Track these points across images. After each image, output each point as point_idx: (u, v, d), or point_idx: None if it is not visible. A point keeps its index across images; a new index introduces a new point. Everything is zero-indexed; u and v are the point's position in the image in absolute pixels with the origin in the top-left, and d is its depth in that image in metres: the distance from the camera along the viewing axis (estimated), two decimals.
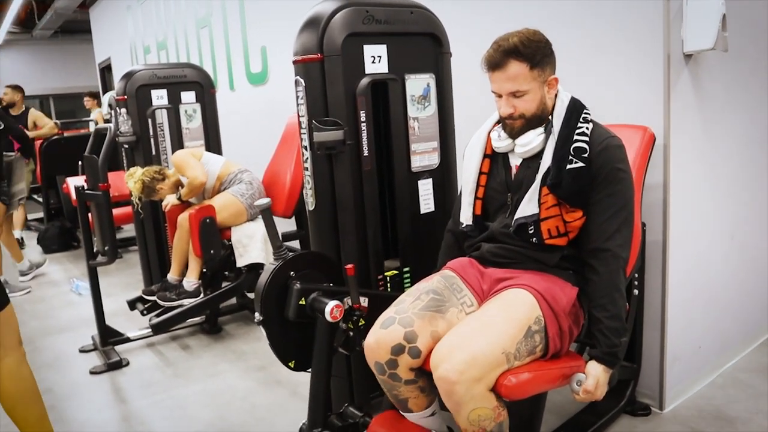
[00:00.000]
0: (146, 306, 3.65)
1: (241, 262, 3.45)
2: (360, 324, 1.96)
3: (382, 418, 1.91)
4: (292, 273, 2.00)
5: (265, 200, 2.02)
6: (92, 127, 6.41)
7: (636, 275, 2.22)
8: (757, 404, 2.42)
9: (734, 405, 2.43)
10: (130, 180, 3.50)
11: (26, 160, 6.00)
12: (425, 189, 2.35)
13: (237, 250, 3.46)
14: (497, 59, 1.73)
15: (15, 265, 5.32)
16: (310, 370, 2.00)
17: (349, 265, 1.95)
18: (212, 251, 3.37)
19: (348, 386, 2.32)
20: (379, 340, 1.74)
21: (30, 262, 5.40)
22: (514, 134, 1.83)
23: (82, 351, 3.52)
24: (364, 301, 1.98)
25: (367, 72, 2.15)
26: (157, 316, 3.42)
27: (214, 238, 3.36)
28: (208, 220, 3.32)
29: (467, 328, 1.67)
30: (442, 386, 1.59)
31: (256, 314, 1.98)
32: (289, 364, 2.02)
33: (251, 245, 3.44)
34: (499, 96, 1.79)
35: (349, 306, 1.96)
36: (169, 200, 3.61)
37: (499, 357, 1.58)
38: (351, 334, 1.98)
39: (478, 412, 1.58)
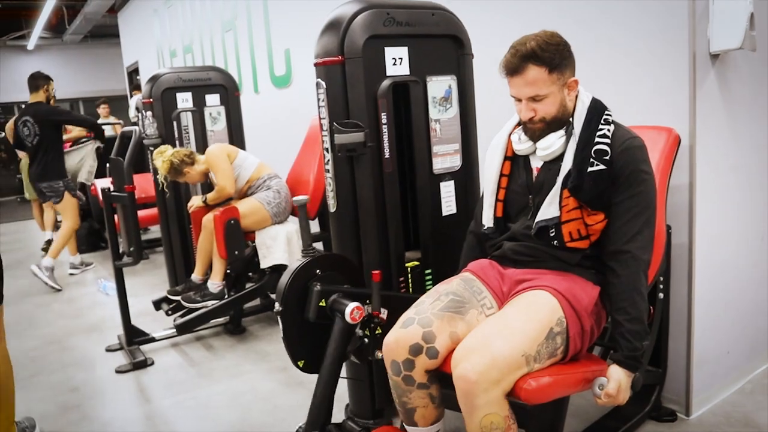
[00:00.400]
0: (171, 306, 3.69)
1: (264, 264, 3.48)
2: (377, 332, 1.96)
3: None
4: (316, 272, 2.02)
5: (303, 197, 2.03)
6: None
7: (661, 278, 2.19)
8: None
9: (763, 412, 2.38)
10: (159, 158, 3.52)
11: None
12: (447, 191, 2.34)
13: (260, 251, 3.48)
14: (515, 64, 1.72)
15: (69, 258, 5.63)
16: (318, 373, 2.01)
17: (376, 272, 1.96)
18: (236, 252, 3.40)
19: (369, 390, 2.32)
20: (398, 339, 1.73)
21: (82, 260, 5.67)
22: (535, 137, 1.82)
23: (108, 350, 3.58)
24: (383, 313, 1.97)
25: (388, 74, 2.15)
26: (182, 316, 3.47)
27: (238, 239, 3.39)
28: (232, 222, 3.34)
29: (488, 330, 1.66)
30: (461, 385, 1.58)
31: (276, 305, 1.99)
32: (299, 362, 2.02)
33: (274, 246, 3.47)
34: (519, 100, 1.78)
35: (369, 313, 1.96)
36: (194, 202, 3.64)
37: (518, 359, 1.57)
38: (366, 341, 1.98)
39: (491, 418, 1.56)
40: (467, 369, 1.56)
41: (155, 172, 3.97)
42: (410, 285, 2.27)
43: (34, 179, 5.22)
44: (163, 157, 3.51)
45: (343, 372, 2.18)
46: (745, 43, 2.14)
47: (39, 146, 5.09)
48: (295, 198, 2.16)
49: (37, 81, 5.13)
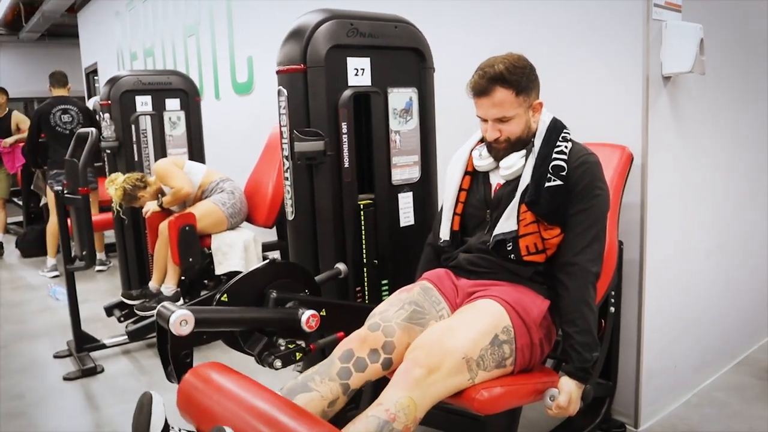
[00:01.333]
0: (123, 313, 3.61)
1: (219, 270, 3.43)
2: (296, 356, 1.92)
3: (207, 367, 1.68)
4: (272, 280, 1.99)
5: (344, 267, 2.09)
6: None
7: (612, 293, 2.24)
8: (732, 424, 2.44)
9: (709, 424, 2.45)
10: (111, 186, 3.49)
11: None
12: (405, 202, 2.36)
13: (216, 257, 3.44)
14: (483, 86, 1.75)
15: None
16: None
17: (341, 333, 1.95)
18: (191, 259, 3.35)
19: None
20: (366, 338, 1.71)
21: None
22: (499, 156, 1.86)
23: (56, 357, 3.47)
24: (313, 349, 1.97)
25: (349, 84, 2.16)
26: (134, 323, 3.39)
27: (193, 245, 3.34)
28: (187, 228, 3.29)
29: (435, 330, 1.67)
30: (407, 365, 1.57)
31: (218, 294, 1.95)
32: (223, 296, 1.93)
33: (231, 253, 3.43)
34: (485, 121, 1.81)
35: (302, 346, 1.93)
36: (150, 207, 3.58)
37: (458, 362, 1.58)
38: (281, 349, 1.92)
39: (409, 402, 1.51)
40: (418, 355, 1.58)
41: (108, 169, 3.92)
42: (366, 290, 2.26)
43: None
44: (115, 185, 3.48)
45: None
46: (695, 66, 2.22)
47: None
48: (337, 264, 2.15)
49: (64, 78, 5.55)
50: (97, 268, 5.52)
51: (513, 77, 1.73)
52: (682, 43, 2.22)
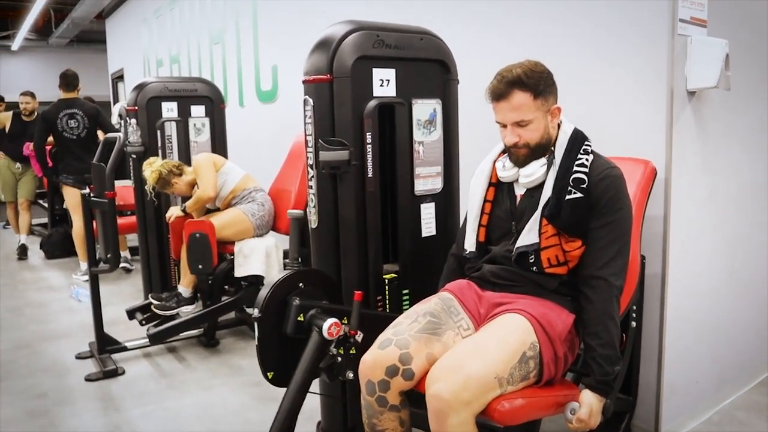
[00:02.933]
0: (145, 316, 3.66)
1: (239, 272, 3.47)
2: (351, 352, 1.96)
3: None
4: (295, 287, 2.02)
5: (298, 211, 2.05)
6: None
7: (634, 307, 2.22)
8: None
9: None
10: (147, 168, 3.54)
11: None
12: (428, 213, 2.37)
13: (237, 259, 3.48)
14: (501, 90, 1.77)
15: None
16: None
17: (358, 292, 1.97)
18: (200, 266, 3.39)
19: (342, 408, 2.32)
20: (375, 360, 1.75)
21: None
22: (519, 163, 1.86)
23: (78, 357, 3.52)
24: (359, 335, 1.98)
25: (375, 95, 2.18)
26: (156, 326, 3.44)
27: (203, 253, 3.37)
28: (198, 236, 3.33)
29: (462, 351, 1.68)
30: (434, 404, 1.59)
31: (255, 310, 1.99)
32: (268, 374, 2.01)
33: (252, 257, 3.46)
34: (504, 126, 1.82)
35: (345, 332, 1.96)
36: (173, 212, 3.63)
37: (491, 381, 1.59)
38: (339, 360, 1.97)
39: None
40: (441, 389, 1.58)
41: (137, 180, 3.96)
42: (387, 300, 2.28)
43: (82, 171, 5.26)
44: (152, 167, 3.52)
45: (317, 388, 2.19)
46: (720, 82, 2.22)
47: (84, 139, 5.28)
48: (290, 210, 2.17)
49: (75, 80, 5.46)
50: (122, 265, 5.54)
51: (530, 80, 1.75)
52: (708, 59, 2.22)
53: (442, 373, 1.62)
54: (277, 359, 2.03)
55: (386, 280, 2.27)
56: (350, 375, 1.94)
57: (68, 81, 5.42)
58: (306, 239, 3.58)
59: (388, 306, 2.28)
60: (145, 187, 3.69)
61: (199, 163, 3.56)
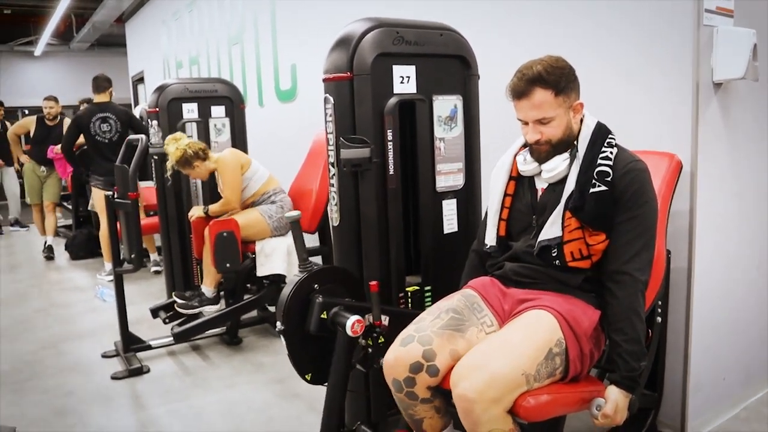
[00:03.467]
0: (169, 315, 3.69)
1: (261, 272, 3.49)
2: (380, 342, 1.97)
3: None
4: (315, 286, 2.03)
5: (295, 213, 2.06)
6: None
7: (660, 302, 2.20)
8: None
9: None
10: (173, 144, 3.50)
11: None
12: (449, 209, 2.36)
13: (259, 258, 3.49)
14: (522, 88, 1.75)
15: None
16: (326, 384, 2.01)
17: (373, 282, 1.97)
18: (228, 265, 3.40)
19: (365, 402, 2.32)
20: (398, 358, 1.75)
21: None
22: (541, 159, 1.85)
23: (104, 356, 3.57)
24: (384, 320, 1.99)
25: (395, 92, 2.18)
26: (180, 325, 3.47)
27: (230, 251, 3.38)
28: (225, 234, 3.34)
29: (487, 348, 1.67)
30: (461, 404, 1.59)
31: (278, 323, 2.00)
32: (306, 376, 2.04)
33: (274, 255, 3.48)
34: (525, 123, 1.81)
35: (370, 323, 1.97)
36: (195, 212, 3.65)
37: (518, 378, 1.58)
38: (369, 351, 1.99)
39: None
40: (466, 388, 1.57)
41: (159, 181, 3.99)
42: (410, 304, 2.29)
43: (112, 174, 5.29)
44: (177, 144, 3.49)
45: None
46: (747, 73, 2.18)
47: (116, 143, 5.22)
48: (287, 214, 2.17)
49: (105, 83, 5.45)
50: (153, 268, 5.61)
51: (551, 78, 1.73)
52: (734, 49, 2.18)
53: (466, 372, 1.61)
54: (309, 360, 2.05)
55: (408, 293, 2.28)
56: (382, 361, 1.92)
57: (99, 84, 5.45)
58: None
59: (410, 303, 2.28)
60: (166, 164, 3.63)
61: (226, 165, 3.52)
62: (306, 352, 2.04)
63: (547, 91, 1.73)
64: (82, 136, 5.73)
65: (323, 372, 2.02)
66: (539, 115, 1.76)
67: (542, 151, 1.83)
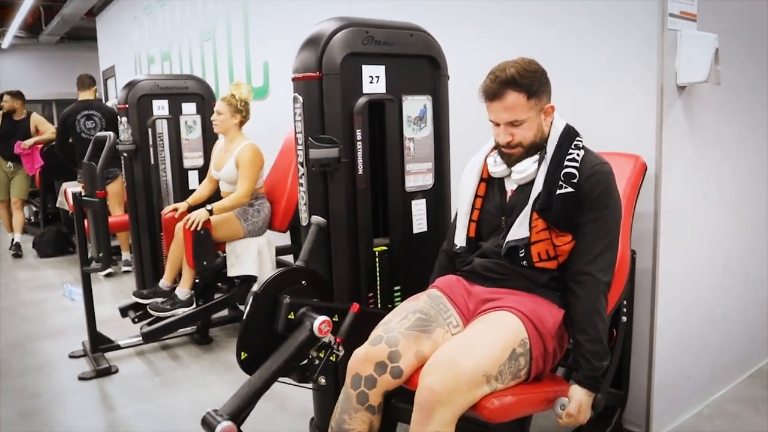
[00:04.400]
0: (138, 314, 3.65)
1: (232, 272, 3.45)
2: (330, 359, 1.95)
3: None
4: (295, 281, 2.03)
5: (321, 219, 2.06)
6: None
7: (625, 302, 2.23)
8: None
9: None
10: (244, 88, 3.53)
11: None
12: (419, 209, 2.37)
13: (229, 259, 3.46)
14: (495, 89, 1.76)
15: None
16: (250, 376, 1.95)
17: (355, 304, 1.97)
18: (205, 263, 3.37)
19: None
20: (367, 354, 1.75)
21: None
22: (511, 162, 1.86)
23: (71, 356, 3.52)
24: (341, 349, 1.97)
25: (364, 91, 2.18)
26: (149, 324, 3.43)
27: (207, 249, 3.36)
28: (202, 232, 3.31)
29: (454, 347, 1.68)
30: (424, 395, 1.59)
31: (255, 286, 2.00)
32: (242, 354, 1.97)
33: (244, 256, 3.44)
34: (497, 125, 1.82)
35: (330, 341, 1.95)
36: (199, 215, 3.35)
37: (478, 379, 1.60)
38: (315, 363, 1.95)
39: None
40: (433, 382, 1.58)
41: (129, 178, 3.94)
42: (378, 275, 2.28)
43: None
44: (239, 91, 3.50)
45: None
46: (710, 77, 2.22)
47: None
48: (313, 218, 2.15)
49: (89, 80, 5.61)
50: (124, 268, 5.53)
51: (524, 81, 1.74)
52: (697, 53, 2.22)
53: (435, 368, 1.62)
54: (256, 345, 1.98)
55: (376, 253, 2.26)
56: (322, 381, 1.92)
57: (83, 81, 5.54)
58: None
59: (379, 302, 2.29)
60: (225, 97, 3.54)
61: (252, 157, 3.42)
62: (257, 337, 1.99)
63: (519, 94, 1.75)
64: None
65: (258, 363, 1.95)
66: (511, 118, 1.78)
67: (513, 154, 1.85)
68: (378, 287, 2.29)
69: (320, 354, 1.95)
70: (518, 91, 1.75)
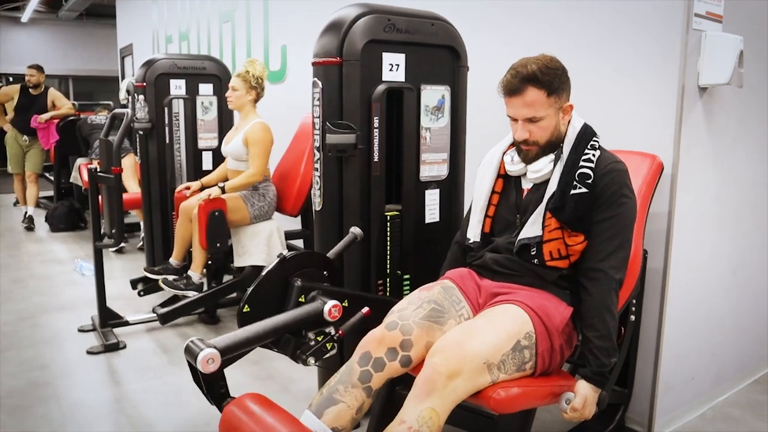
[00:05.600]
0: (145, 287, 3.67)
1: (239, 263, 3.46)
2: (327, 346, 1.95)
3: (249, 398, 1.74)
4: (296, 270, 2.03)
5: (359, 231, 2.09)
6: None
7: (634, 301, 2.23)
8: None
9: None
10: (259, 65, 3.52)
11: None
12: (432, 199, 2.37)
13: (236, 250, 3.47)
14: (515, 85, 1.76)
15: None
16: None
17: (366, 309, 1.97)
18: (219, 245, 3.37)
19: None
20: (383, 337, 1.74)
21: None
22: (528, 160, 1.87)
23: (80, 330, 3.55)
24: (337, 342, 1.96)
25: (384, 79, 2.18)
26: (162, 305, 3.44)
27: (221, 231, 3.35)
28: (217, 213, 3.31)
29: (458, 332, 1.69)
30: (426, 373, 1.58)
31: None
32: (246, 308, 1.98)
33: (251, 246, 3.44)
34: (515, 120, 1.82)
35: (333, 333, 1.95)
36: (213, 192, 3.37)
37: (479, 366, 1.60)
38: (311, 344, 1.92)
39: (432, 413, 1.55)
40: (438, 362, 1.58)
41: (143, 156, 3.96)
42: (389, 240, 2.28)
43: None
44: (254, 65, 3.49)
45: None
46: (732, 79, 2.20)
47: None
48: (352, 228, 2.15)
49: None
50: (140, 244, 5.48)
51: (545, 78, 1.74)
52: (721, 55, 2.20)
53: (440, 351, 1.62)
54: (262, 310, 1.98)
55: (388, 217, 2.26)
56: (311, 361, 1.90)
57: None
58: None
59: (388, 290, 2.29)
60: (240, 73, 3.53)
61: (263, 135, 3.40)
62: (265, 302, 2.00)
63: (540, 91, 1.75)
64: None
65: (258, 315, 1.94)
66: (530, 114, 1.77)
67: (530, 152, 1.85)
68: (388, 272, 2.28)
69: (318, 338, 1.94)
70: (539, 87, 1.74)
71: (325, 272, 2.11)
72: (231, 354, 1.74)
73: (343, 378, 1.74)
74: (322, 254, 2.18)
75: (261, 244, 3.45)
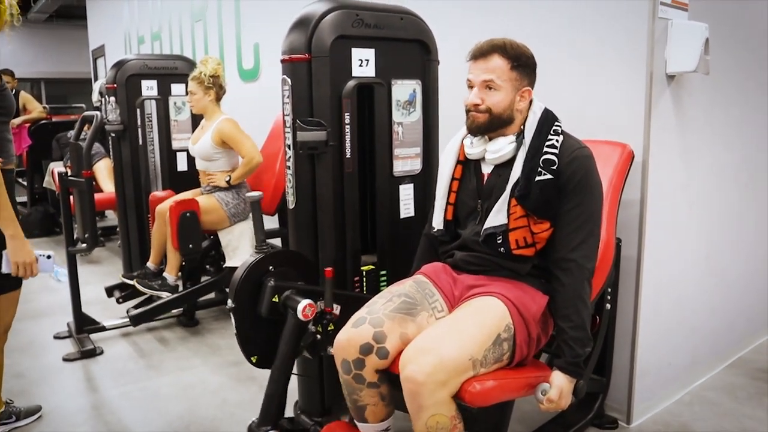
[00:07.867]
0: (123, 294, 3.64)
1: (231, 263, 3.45)
2: (329, 329, 1.98)
3: (331, 428, 1.93)
4: (270, 268, 2.02)
5: (257, 193, 2.04)
6: None
7: (609, 289, 2.25)
8: (722, 423, 2.46)
9: (699, 423, 2.47)
10: (212, 63, 3.45)
11: None
12: (406, 194, 2.37)
13: (226, 251, 3.45)
14: (484, 49, 1.80)
15: None
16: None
17: (328, 269, 1.97)
18: (191, 245, 3.34)
19: (319, 387, 2.33)
20: (350, 338, 1.76)
21: None
22: (473, 129, 1.85)
23: (56, 337, 3.51)
24: (336, 309, 2.00)
25: (353, 75, 2.16)
26: (136, 307, 3.41)
27: (193, 232, 3.33)
28: (188, 214, 3.28)
29: (437, 332, 1.69)
30: (408, 387, 1.60)
31: (229, 301, 1.99)
32: (252, 358, 2.03)
33: (241, 247, 3.43)
34: (471, 87, 1.82)
35: (321, 309, 1.97)
36: (220, 185, 3.44)
37: (465, 363, 1.61)
38: (318, 337, 1.99)
39: (437, 418, 1.60)
40: (415, 370, 1.59)
41: (116, 159, 3.91)
42: (365, 287, 2.29)
43: None
44: (206, 67, 3.42)
45: (294, 369, 2.19)
46: (699, 66, 2.22)
47: None
48: (248, 194, 2.16)
49: None
50: None
51: (513, 51, 1.79)
52: (688, 42, 2.22)
53: (415, 355, 1.62)
54: (258, 342, 2.04)
55: (363, 272, 2.28)
56: (331, 350, 1.93)
57: None
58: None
59: (365, 289, 2.29)
60: (193, 77, 3.46)
61: (233, 127, 3.38)
62: (255, 334, 2.04)
63: (504, 60, 1.78)
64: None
65: (270, 356, 2.01)
66: (489, 77, 1.79)
67: (478, 120, 1.82)
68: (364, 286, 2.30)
69: (318, 328, 1.98)
70: (504, 57, 1.78)
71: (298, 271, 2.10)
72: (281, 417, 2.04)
73: (349, 389, 1.83)
74: (297, 252, 2.17)
75: (248, 244, 3.44)
